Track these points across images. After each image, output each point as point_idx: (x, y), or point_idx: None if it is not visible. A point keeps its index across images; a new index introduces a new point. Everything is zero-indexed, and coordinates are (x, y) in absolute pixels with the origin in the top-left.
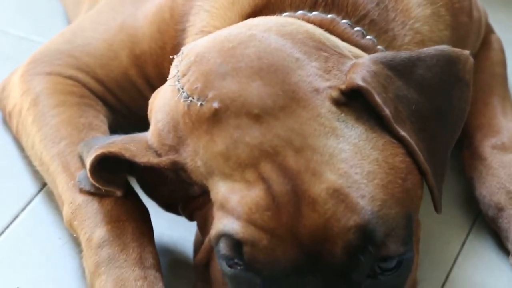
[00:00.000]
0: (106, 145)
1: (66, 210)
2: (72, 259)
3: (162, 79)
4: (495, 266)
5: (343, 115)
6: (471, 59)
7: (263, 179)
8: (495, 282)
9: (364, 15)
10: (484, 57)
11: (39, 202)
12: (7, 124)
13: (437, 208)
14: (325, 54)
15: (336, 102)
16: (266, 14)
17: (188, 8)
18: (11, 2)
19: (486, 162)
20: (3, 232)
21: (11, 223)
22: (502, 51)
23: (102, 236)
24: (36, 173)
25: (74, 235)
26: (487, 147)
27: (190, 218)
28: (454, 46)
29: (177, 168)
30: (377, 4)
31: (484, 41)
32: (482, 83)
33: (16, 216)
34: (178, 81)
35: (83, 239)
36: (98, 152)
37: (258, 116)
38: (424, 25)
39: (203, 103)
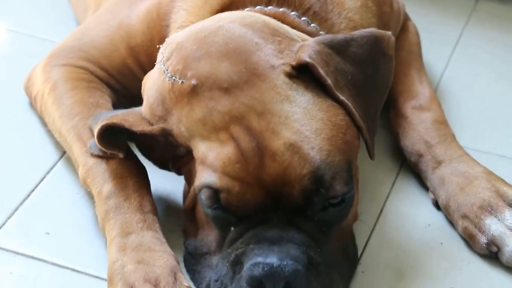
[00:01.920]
0: (109, 118)
1: (80, 171)
2: (87, 208)
3: (152, 65)
4: (418, 200)
5: (294, 85)
6: (393, 38)
7: (233, 139)
8: (418, 211)
9: (308, 8)
10: (403, 39)
11: (61, 166)
12: (33, 107)
13: (371, 155)
14: (279, 38)
15: (289, 75)
16: (231, 10)
17: (171, 8)
18: (35, 11)
19: (408, 120)
20: (33, 190)
21: (39, 183)
22: (417, 34)
23: (109, 189)
24: (57, 144)
25: (88, 190)
26: (408, 108)
27: (179, 173)
28: (379, 29)
29: (166, 134)
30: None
31: (402, 26)
32: (402, 59)
33: (43, 178)
34: (163, 65)
35: (94, 193)
36: (104, 123)
37: (227, 89)
38: (356, 14)
39: (184, 81)
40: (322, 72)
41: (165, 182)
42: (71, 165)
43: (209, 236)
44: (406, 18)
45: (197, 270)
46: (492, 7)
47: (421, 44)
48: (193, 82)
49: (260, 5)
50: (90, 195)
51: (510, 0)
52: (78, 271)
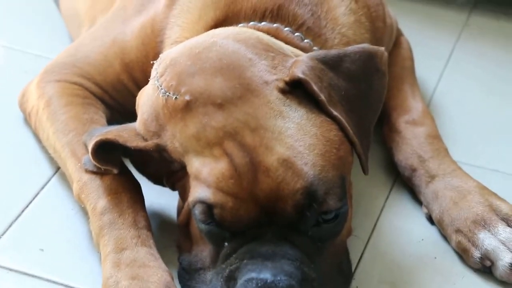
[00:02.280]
0: (104, 133)
1: (75, 187)
2: (81, 224)
3: (146, 81)
4: (411, 214)
5: (288, 101)
6: (386, 54)
7: (227, 154)
8: (412, 226)
9: (301, 24)
10: (396, 54)
11: (55, 182)
12: (27, 123)
13: (364, 170)
14: (272, 54)
15: (282, 91)
16: (225, 26)
17: (165, 24)
18: (29, 27)
19: (401, 134)
20: (27, 206)
21: (33, 199)
22: (410, 49)
23: (103, 205)
24: (51, 160)
25: (82, 206)
26: (402, 122)
27: (173, 188)
28: (372, 45)
29: (160, 149)
30: (312, 15)
31: (395, 42)
32: (395, 74)
33: (37, 193)
34: (157, 81)
35: (89, 209)
36: (98, 139)
37: (220, 104)
38: (349, 30)
39: (178, 96)
40: (315, 87)
41: (159, 198)
42: (66, 181)
43: (203, 252)
44: (399, 33)
45: (191, 286)
46: (484, 22)
47: (414, 59)
48: (187, 98)
49: (253, 21)
50: (84, 211)
51: (502, 15)
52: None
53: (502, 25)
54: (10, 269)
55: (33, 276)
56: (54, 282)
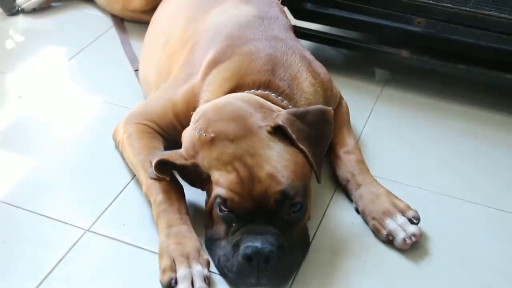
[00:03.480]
0: (161, 155)
1: (143, 187)
2: (147, 210)
3: (188, 124)
4: (346, 207)
5: (273, 138)
6: (332, 111)
7: (235, 170)
8: (346, 214)
9: (282, 91)
10: (338, 111)
11: (132, 183)
12: (117, 148)
13: (318, 181)
14: (264, 109)
15: (269, 132)
16: (237, 92)
17: (200, 90)
18: (119, 88)
19: (340, 159)
20: (116, 197)
21: (120, 192)
22: (347, 107)
23: (160, 199)
24: (130, 170)
25: (148, 199)
26: (341, 152)
27: (202, 189)
28: (324, 105)
29: (195, 166)
30: (288, 86)
31: (338, 103)
32: (338, 122)
33: (122, 190)
34: (195, 124)
35: (151, 201)
36: (158, 158)
37: (232, 139)
38: (310, 95)
39: (206, 134)
40: (289, 131)
41: (194, 195)
42: (138, 184)
43: (220, 229)
44: (340, 98)
45: (212, 249)
46: (394, 94)
47: (349, 113)
48: (212, 135)
49: (253, 89)
50: (149, 203)
51: (409, 89)
52: (142, 248)
53: (408, 96)
54: (105, 236)
55: (118, 240)
56: (130, 244)
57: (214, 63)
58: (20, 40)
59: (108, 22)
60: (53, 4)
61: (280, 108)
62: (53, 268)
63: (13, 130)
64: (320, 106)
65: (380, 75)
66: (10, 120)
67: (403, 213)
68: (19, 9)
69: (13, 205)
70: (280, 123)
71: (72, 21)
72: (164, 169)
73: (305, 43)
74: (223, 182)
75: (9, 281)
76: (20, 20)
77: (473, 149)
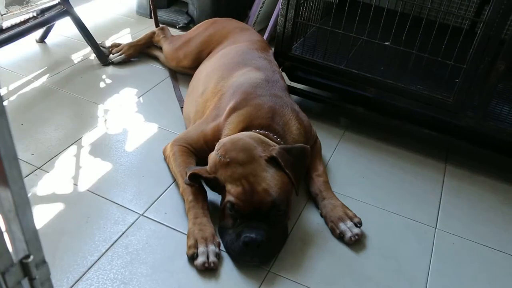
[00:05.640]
0: (194, 169)
1: (180, 189)
2: (181, 206)
3: (213, 149)
4: (315, 213)
5: (269, 165)
6: (309, 148)
7: (242, 184)
8: (314, 218)
9: (277, 133)
10: (314, 146)
11: (173, 186)
12: (164, 161)
13: (297, 193)
14: (264, 144)
15: (267, 160)
16: (247, 130)
17: (223, 127)
18: (166, 117)
19: (313, 180)
20: (162, 194)
21: (164, 191)
22: (320, 144)
23: (190, 199)
24: (172, 177)
25: (182, 198)
26: (314, 175)
27: (219, 194)
28: (304, 143)
29: (215, 179)
30: (282, 129)
31: (314, 141)
32: (313, 154)
33: (166, 189)
34: (217, 151)
35: (185, 199)
36: (191, 171)
37: (241, 164)
38: (296, 136)
39: (224, 158)
40: (280, 160)
41: (214, 197)
42: (177, 186)
43: (229, 222)
44: (316, 137)
45: (222, 235)
46: (352, 136)
47: (321, 148)
48: (228, 160)
49: (258, 129)
50: (183, 200)
51: (363, 134)
52: (176, 230)
53: (365, 140)
54: (153, 220)
55: (161, 223)
56: (169, 227)
57: (233, 110)
58: (109, 82)
59: (166, 73)
60: (132, 59)
61: (275, 144)
62: (118, 238)
63: (99, 143)
64: (301, 144)
65: (343, 123)
66: (98, 136)
67: (351, 219)
68: (110, 61)
69: (95, 194)
70: (274, 154)
71: (143, 71)
72: (195, 178)
73: (295, 97)
74: (233, 192)
75: (89, 244)
76: (110, 69)
77: (400, 177)
